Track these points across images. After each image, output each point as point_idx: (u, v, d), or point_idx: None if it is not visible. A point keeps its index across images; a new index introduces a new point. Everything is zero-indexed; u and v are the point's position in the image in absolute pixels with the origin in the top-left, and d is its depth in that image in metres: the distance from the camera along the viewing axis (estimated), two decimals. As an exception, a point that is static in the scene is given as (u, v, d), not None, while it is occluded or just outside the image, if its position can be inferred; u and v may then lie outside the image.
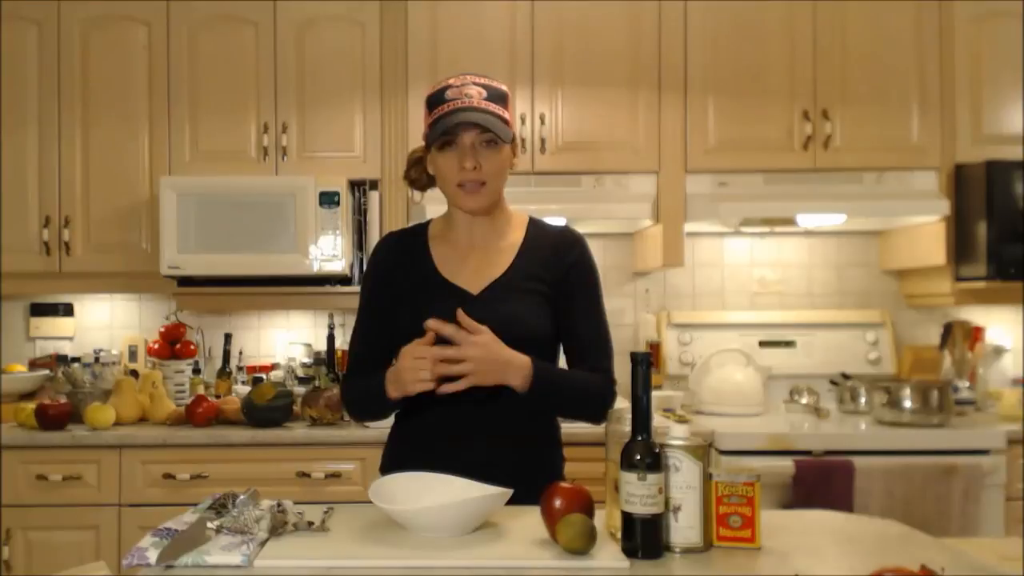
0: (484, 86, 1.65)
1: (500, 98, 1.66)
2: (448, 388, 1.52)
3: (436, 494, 1.44)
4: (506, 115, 1.66)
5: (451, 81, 1.66)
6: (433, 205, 2.89)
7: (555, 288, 1.69)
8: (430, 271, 1.71)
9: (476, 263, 1.71)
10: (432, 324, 1.54)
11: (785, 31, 3.00)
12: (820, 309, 3.37)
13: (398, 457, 1.71)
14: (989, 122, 3.00)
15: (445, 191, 1.69)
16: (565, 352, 1.74)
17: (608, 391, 1.70)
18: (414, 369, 1.53)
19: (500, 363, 1.54)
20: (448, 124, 1.60)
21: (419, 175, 1.75)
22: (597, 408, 1.66)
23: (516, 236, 1.74)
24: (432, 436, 1.67)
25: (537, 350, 1.62)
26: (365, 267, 1.83)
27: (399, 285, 1.72)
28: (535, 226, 1.78)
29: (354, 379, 1.74)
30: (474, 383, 1.53)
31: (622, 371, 1.52)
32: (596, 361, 1.70)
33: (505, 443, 1.64)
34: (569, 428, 2.69)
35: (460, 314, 1.55)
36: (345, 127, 3.03)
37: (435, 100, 1.65)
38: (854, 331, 3.26)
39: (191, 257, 2.90)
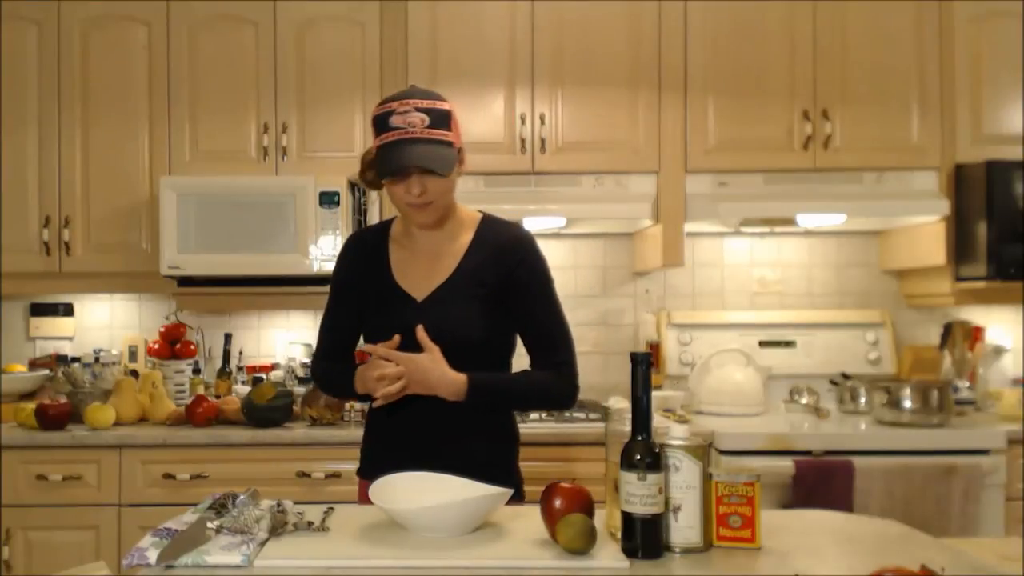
0: (427, 110, 1.67)
1: (443, 119, 1.69)
2: (385, 392, 1.65)
3: (435, 494, 1.44)
4: (449, 136, 1.70)
5: (394, 105, 1.68)
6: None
7: (502, 289, 1.75)
8: (384, 274, 1.80)
9: (425, 267, 1.79)
10: (367, 348, 1.70)
11: (785, 31, 3.00)
12: (820, 309, 3.37)
13: (370, 454, 1.85)
14: (989, 122, 2.99)
15: (398, 208, 1.77)
16: (525, 347, 1.80)
17: (564, 384, 1.78)
18: (371, 380, 1.67)
19: (431, 382, 1.66)
20: (393, 166, 1.66)
21: (374, 177, 1.78)
22: (555, 402, 1.82)
23: (465, 238, 1.80)
24: (397, 432, 1.77)
25: (477, 353, 1.72)
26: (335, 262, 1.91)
27: (360, 285, 1.83)
28: (485, 226, 1.82)
29: (324, 362, 1.88)
30: (409, 392, 1.67)
31: (622, 371, 1.52)
32: (551, 355, 1.77)
33: (455, 438, 1.72)
34: (570, 428, 2.71)
35: (419, 332, 1.67)
36: (345, 127, 3.03)
37: (380, 124, 1.69)
38: (854, 331, 3.26)
39: (191, 257, 2.90)
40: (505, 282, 1.75)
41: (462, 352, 1.69)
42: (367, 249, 1.86)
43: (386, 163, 1.67)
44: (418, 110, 1.67)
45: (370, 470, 1.77)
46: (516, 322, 1.78)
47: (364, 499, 1.72)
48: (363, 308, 1.82)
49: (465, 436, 1.73)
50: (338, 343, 1.88)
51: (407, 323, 1.71)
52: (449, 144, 1.69)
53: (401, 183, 1.69)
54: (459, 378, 1.68)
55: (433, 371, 1.66)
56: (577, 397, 1.81)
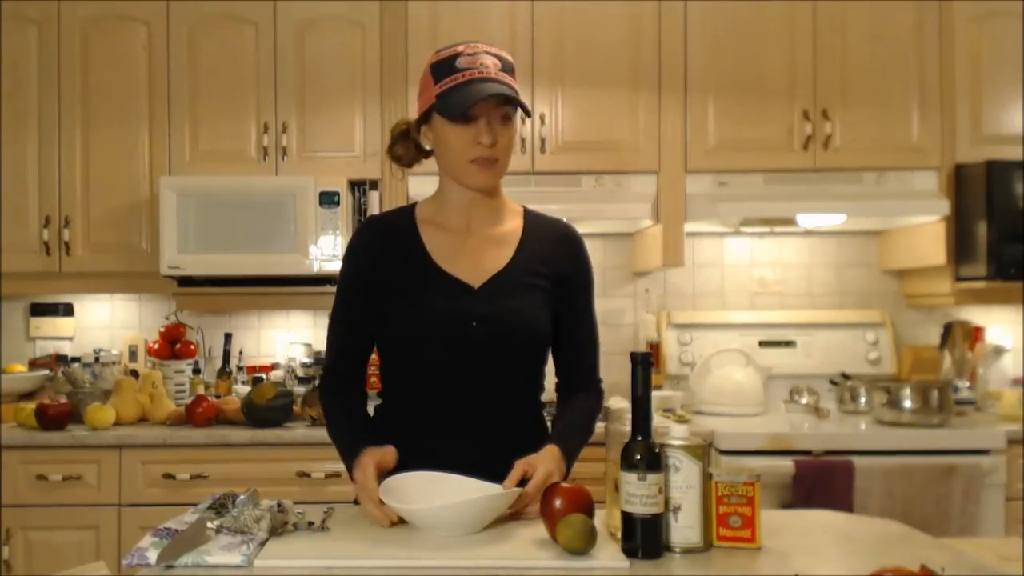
0: (497, 56, 1.54)
1: (511, 70, 1.55)
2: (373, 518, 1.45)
3: (442, 493, 1.43)
4: (516, 85, 1.55)
5: (460, 48, 1.53)
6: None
7: (555, 285, 1.64)
8: (424, 259, 1.60)
9: (474, 252, 1.62)
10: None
11: (785, 31, 3.00)
12: (820, 309, 3.37)
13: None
14: (989, 122, 3.00)
15: (451, 167, 1.58)
16: (556, 351, 1.69)
17: (602, 401, 1.74)
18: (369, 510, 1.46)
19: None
20: (474, 97, 1.48)
21: (405, 151, 1.66)
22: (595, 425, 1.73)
23: (513, 225, 1.66)
24: (417, 435, 1.59)
25: (536, 347, 1.63)
26: (344, 254, 1.69)
27: (388, 274, 1.61)
28: (532, 216, 1.70)
29: (330, 396, 1.70)
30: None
31: (622, 371, 1.52)
32: (590, 367, 1.71)
33: (492, 444, 1.55)
34: (569, 428, 2.71)
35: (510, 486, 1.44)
36: (345, 127, 3.03)
37: (444, 68, 1.52)
38: (854, 331, 3.26)
39: (191, 257, 2.90)
40: (560, 279, 1.64)
41: (523, 346, 1.59)
42: (392, 232, 1.64)
43: (458, 101, 1.48)
44: (488, 54, 1.53)
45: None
46: (560, 323, 1.66)
47: None
48: (392, 304, 1.59)
49: (505, 442, 1.56)
50: (354, 349, 1.67)
51: (466, 313, 1.55)
52: (516, 92, 1.53)
53: (470, 129, 1.52)
54: (559, 457, 1.54)
55: (548, 473, 1.48)
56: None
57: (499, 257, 1.62)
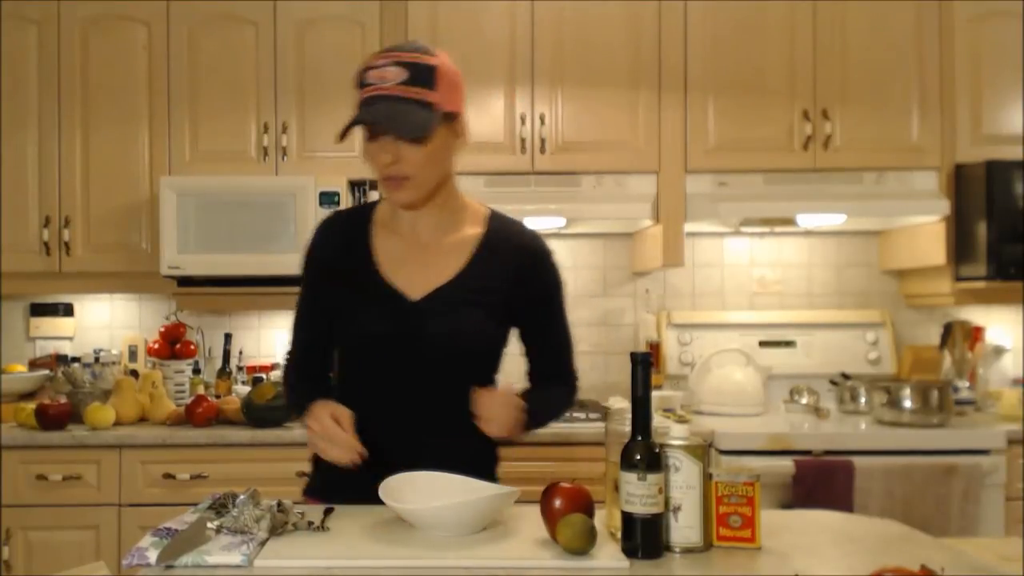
0: (409, 64, 1.46)
1: (426, 76, 1.46)
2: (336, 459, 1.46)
3: (442, 493, 1.43)
4: (429, 96, 1.46)
5: (376, 60, 1.48)
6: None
7: (512, 298, 1.58)
8: (368, 267, 1.58)
9: (421, 262, 1.57)
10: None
11: (785, 31, 3.00)
12: (820, 309, 3.37)
13: (330, 472, 1.58)
14: (989, 122, 3.00)
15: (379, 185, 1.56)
16: (529, 354, 1.68)
17: (575, 394, 1.73)
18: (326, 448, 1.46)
19: (508, 422, 1.49)
20: (356, 119, 1.47)
21: None
22: (564, 413, 1.73)
23: (471, 233, 1.60)
24: (367, 438, 1.52)
25: (477, 364, 1.59)
26: (305, 250, 1.66)
27: (337, 276, 1.60)
28: (497, 223, 1.63)
29: (293, 374, 1.69)
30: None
31: (622, 371, 1.52)
32: (561, 367, 1.70)
33: (438, 439, 1.54)
34: (570, 428, 2.71)
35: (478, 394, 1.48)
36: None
37: (360, 80, 1.50)
38: (854, 331, 3.26)
39: (191, 257, 2.90)
40: (516, 289, 1.58)
41: (461, 364, 1.54)
42: (346, 233, 1.62)
43: (353, 120, 1.47)
44: (398, 64, 1.46)
45: (325, 490, 1.61)
46: (525, 332, 1.64)
47: None
48: (334, 307, 1.58)
49: (453, 447, 1.54)
50: (315, 345, 1.66)
51: (399, 327, 1.52)
52: (426, 105, 1.46)
53: (374, 146, 1.48)
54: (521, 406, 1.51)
55: (513, 409, 1.49)
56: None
57: (447, 268, 1.57)
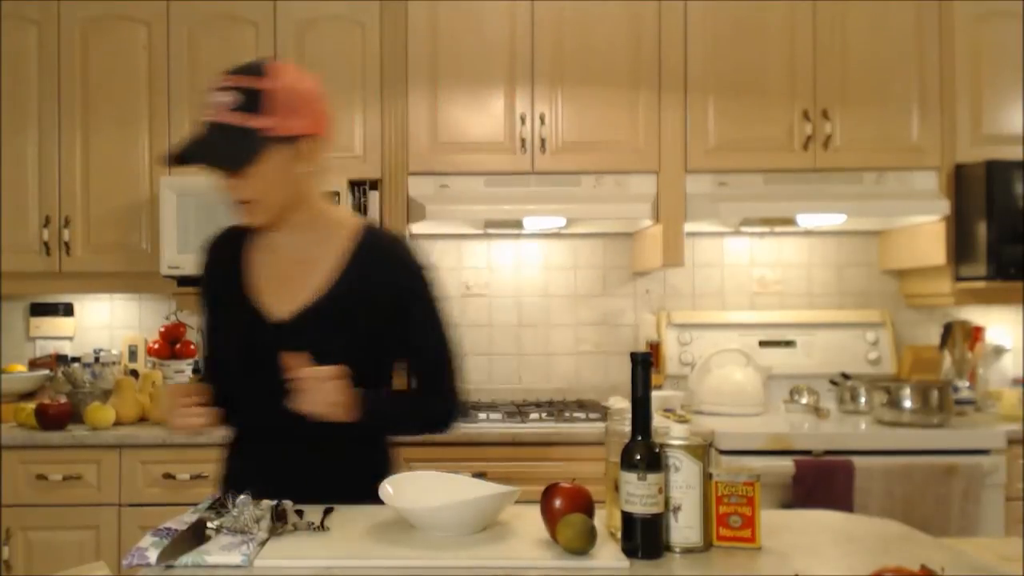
0: (243, 89, 1.44)
1: (254, 101, 1.43)
2: (184, 425, 1.46)
3: (442, 493, 1.44)
4: (255, 122, 1.43)
5: (217, 82, 1.46)
6: (434, 204, 2.90)
7: (384, 313, 1.54)
8: (239, 283, 1.57)
9: (290, 278, 1.55)
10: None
11: (785, 31, 3.00)
12: (820, 309, 3.37)
13: (231, 468, 1.65)
14: (989, 122, 3.00)
15: None
16: (409, 369, 1.64)
17: (447, 409, 1.63)
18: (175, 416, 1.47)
19: (332, 400, 1.44)
20: (170, 151, 1.47)
21: None
22: (437, 427, 1.64)
23: (340, 248, 1.57)
24: (255, 445, 1.59)
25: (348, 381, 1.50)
26: None
27: (215, 294, 1.61)
28: (368, 237, 1.59)
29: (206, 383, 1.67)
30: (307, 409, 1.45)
31: (622, 371, 1.52)
32: (441, 384, 1.61)
33: (314, 455, 1.54)
34: (570, 428, 2.71)
35: (287, 360, 1.44)
36: (345, 127, 3.03)
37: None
38: (854, 331, 3.26)
39: (191, 257, 2.90)
40: (389, 307, 1.54)
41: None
42: (227, 247, 1.62)
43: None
44: (234, 88, 1.44)
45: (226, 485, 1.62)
46: (401, 349, 1.58)
47: None
48: (215, 323, 1.60)
49: (330, 462, 1.54)
50: (211, 360, 1.65)
51: (261, 347, 1.49)
52: (250, 132, 1.42)
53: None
54: (357, 397, 1.48)
55: (332, 392, 1.43)
56: (455, 423, 1.66)
57: (312, 286, 1.54)
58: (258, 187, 1.47)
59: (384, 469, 1.62)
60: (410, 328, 1.58)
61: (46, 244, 3.01)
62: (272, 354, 1.48)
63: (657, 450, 1.30)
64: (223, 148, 1.43)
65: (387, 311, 1.55)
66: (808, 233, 3.38)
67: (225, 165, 1.45)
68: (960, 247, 2.97)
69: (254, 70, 1.46)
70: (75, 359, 3.17)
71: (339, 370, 1.44)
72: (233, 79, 1.45)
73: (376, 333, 1.56)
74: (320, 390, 1.43)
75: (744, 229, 3.34)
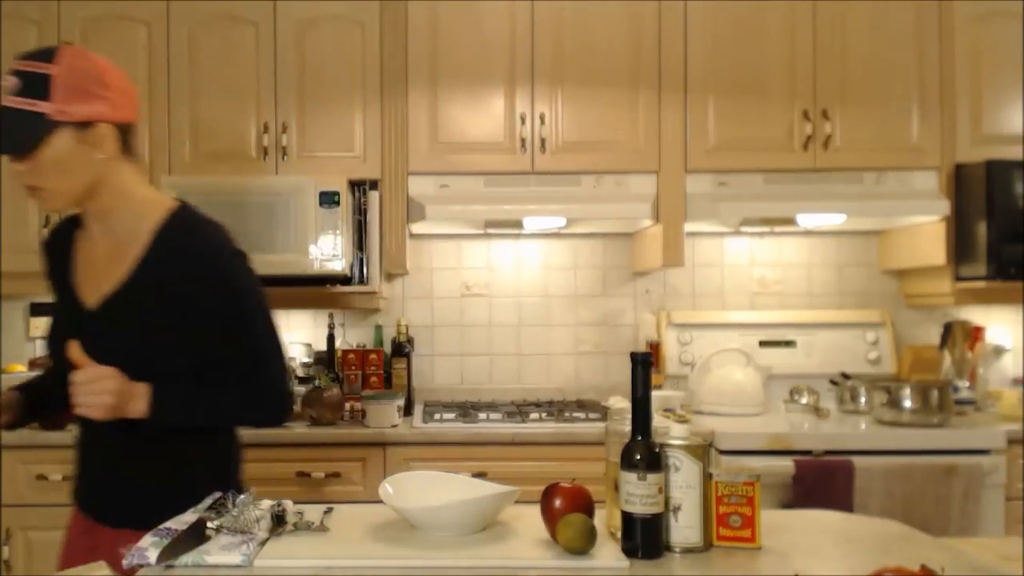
0: (24, 73, 1.41)
1: (37, 85, 1.40)
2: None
3: (442, 493, 1.44)
4: (41, 107, 1.40)
5: (8, 68, 1.43)
6: (434, 204, 2.90)
7: (182, 302, 1.48)
8: (64, 269, 1.58)
9: (102, 265, 1.53)
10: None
11: (785, 31, 3.00)
12: (820, 309, 3.37)
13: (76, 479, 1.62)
14: (989, 122, 3.00)
15: None
16: (225, 361, 1.54)
17: (265, 400, 1.55)
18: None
19: (119, 397, 1.41)
20: None
21: None
22: (259, 421, 1.59)
23: (145, 235, 1.52)
24: (83, 453, 1.59)
25: (161, 372, 1.47)
26: None
27: (51, 282, 1.62)
28: (173, 223, 1.53)
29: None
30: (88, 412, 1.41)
31: (622, 371, 1.52)
32: (258, 377, 1.54)
33: (134, 446, 1.51)
34: (570, 428, 2.71)
35: (72, 349, 1.41)
36: (345, 127, 3.03)
37: None
38: (854, 331, 3.27)
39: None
40: (193, 298, 1.48)
41: (143, 374, 1.45)
42: (60, 237, 1.62)
43: None
44: (17, 73, 1.41)
45: (75, 497, 1.60)
46: (212, 341, 1.50)
47: (74, 529, 1.58)
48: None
49: (149, 454, 1.50)
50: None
51: (77, 336, 1.45)
52: (34, 116, 1.39)
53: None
54: (144, 392, 1.44)
55: (107, 394, 1.39)
56: (288, 413, 1.59)
57: (117, 273, 1.51)
58: (46, 172, 1.43)
59: (216, 468, 1.58)
60: (215, 319, 1.50)
61: (46, 244, 3.01)
62: (86, 342, 1.44)
63: (657, 450, 1.30)
64: (6, 132, 1.41)
65: (183, 301, 1.48)
66: (808, 233, 3.38)
67: (8, 149, 1.42)
68: (960, 247, 2.98)
69: (43, 55, 1.44)
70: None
71: (110, 370, 1.40)
72: (21, 64, 1.43)
73: (176, 325, 1.49)
74: (89, 392, 1.39)
75: (744, 229, 3.34)
